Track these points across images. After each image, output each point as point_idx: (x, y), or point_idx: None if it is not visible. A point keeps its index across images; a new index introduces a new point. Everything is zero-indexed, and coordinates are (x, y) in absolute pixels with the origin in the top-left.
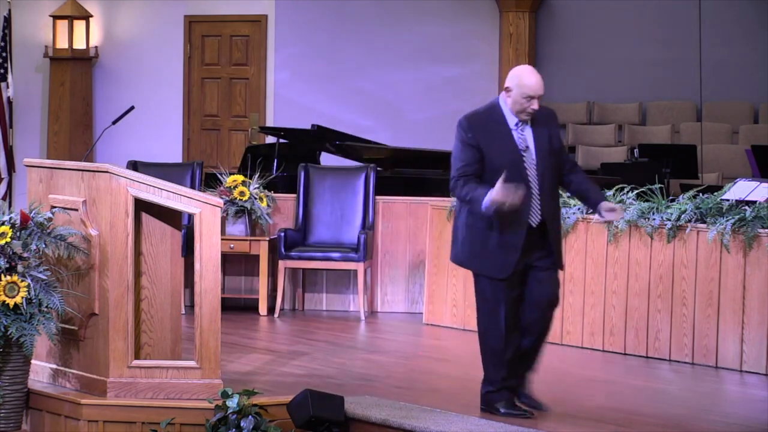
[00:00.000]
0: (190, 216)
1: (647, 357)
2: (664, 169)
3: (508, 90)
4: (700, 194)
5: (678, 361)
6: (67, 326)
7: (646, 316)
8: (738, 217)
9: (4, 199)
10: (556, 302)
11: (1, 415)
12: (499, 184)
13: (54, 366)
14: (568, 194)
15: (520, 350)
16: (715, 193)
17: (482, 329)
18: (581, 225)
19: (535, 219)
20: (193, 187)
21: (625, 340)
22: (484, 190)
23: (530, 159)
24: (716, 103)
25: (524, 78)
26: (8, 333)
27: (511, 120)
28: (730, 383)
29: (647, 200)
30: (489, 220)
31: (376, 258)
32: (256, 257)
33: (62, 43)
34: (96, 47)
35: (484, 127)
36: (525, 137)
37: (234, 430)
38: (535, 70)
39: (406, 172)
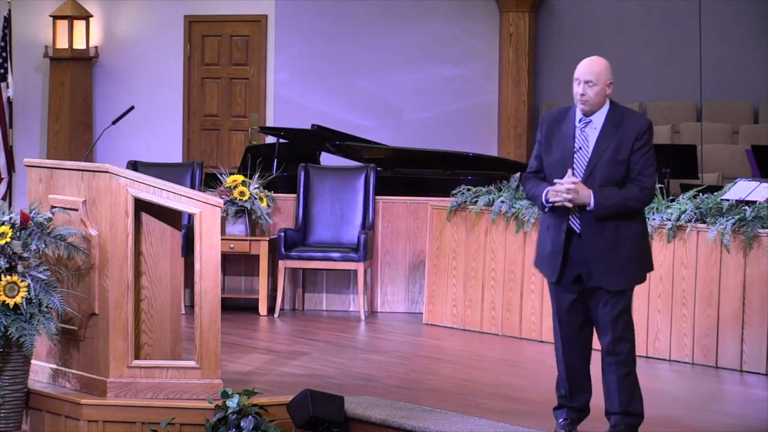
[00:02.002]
0: (190, 216)
1: (647, 357)
2: (664, 169)
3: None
4: (700, 194)
5: (678, 361)
6: (67, 326)
7: (646, 316)
8: (738, 217)
9: (4, 199)
10: (610, 332)
11: (1, 415)
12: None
13: (54, 366)
14: None
15: (584, 372)
16: (715, 193)
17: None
18: None
19: (576, 225)
20: (193, 187)
21: None
22: (540, 188)
23: (581, 160)
24: (716, 103)
25: (579, 64)
26: (8, 333)
27: (578, 117)
28: (730, 383)
29: None
30: (546, 222)
31: (376, 258)
32: (256, 257)
33: (62, 43)
34: (96, 47)
35: (554, 122)
36: (585, 136)
37: (234, 430)
38: (596, 59)
39: (406, 172)
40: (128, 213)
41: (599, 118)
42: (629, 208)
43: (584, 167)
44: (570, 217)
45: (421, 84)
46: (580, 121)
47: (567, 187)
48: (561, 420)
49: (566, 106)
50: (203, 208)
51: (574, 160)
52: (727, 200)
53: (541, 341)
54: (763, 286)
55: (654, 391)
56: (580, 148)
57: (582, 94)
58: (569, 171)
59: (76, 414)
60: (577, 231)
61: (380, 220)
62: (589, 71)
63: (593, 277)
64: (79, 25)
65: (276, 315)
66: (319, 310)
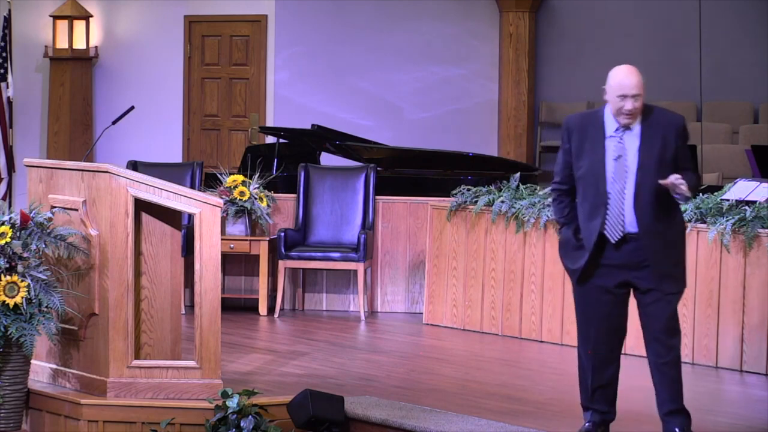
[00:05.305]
0: (190, 216)
1: (647, 357)
2: None
3: (604, 91)
4: (700, 194)
5: None
6: (67, 326)
7: None
8: (738, 217)
9: (4, 199)
10: (666, 330)
11: (1, 415)
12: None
13: (54, 366)
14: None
15: (614, 380)
16: (715, 193)
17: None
18: None
19: (614, 233)
20: (193, 187)
21: (626, 340)
22: (567, 231)
23: (621, 169)
24: (716, 103)
25: (617, 76)
26: (8, 333)
27: (610, 125)
28: (730, 383)
29: None
30: (572, 241)
31: (376, 258)
32: (256, 257)
33: (62, 43)
34: (96, 47)
35: (580, 128)
36: (623, 144)
37: (234, 430)
38: (634, 69)
39: (406, 172)
40: (128, 213)
41: (635, 123)
42: (694, 194)
43: (629, 174)
44: (607, 227)
45: (421, 84)
46: (616, 130)
47: (679, 182)
48: (587, 422)
49: (589, 110)
50: (203, 208)
51: (614, 168)
52: (727, 200)
53: (541, 341)
54: (763, 286)
55: (654, 392)
56: (620, 156)
57: (631, 110)
58: (673, 176)
59: (76, 414)
60: (613, 240)
61: (380, 220)
62: (637, 84)
63: (647, 280)
64: (79, 25)
65: (276, 315)
66: (319, 310)
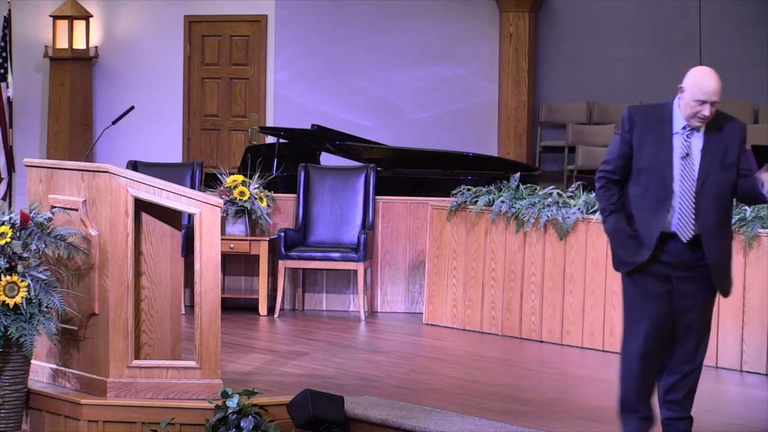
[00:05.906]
0: (190, 216)
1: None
2: None
3: (681, 90)
4: None
5: None
6: (67, 326)
7: None
8: (738, 217)
9: (4, 199)
10: (699, 335)
11: (1, 415)
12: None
13: (54, 366)
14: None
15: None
16: None
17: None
18: (581, 225)
19: (686, 232)
20: (193, 187)
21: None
22: (617, 220)
23: (689, 167)
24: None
25: (699, 79)
26: (8, 333)
27: (678, 122)
28: (730, 383)
29: None
30: (630, 213)
31: (376, 258)
32: (256, 257)
33: (62, 43)
34: (96, 47)
35: (644, 121)
36: (690, 143)
37: (234, 430)
38: (716, 75)
39: (406, 172)
40: (128, 213)
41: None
42: None
43: (695, 175)
44: (675, 224)
45: (421, 84)
46: (683, 128)
47: None
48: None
49: (657, 103)
50: (203, 208)
51: (681, 166)
52: None
53: (541, 341)
54: (763, 286)
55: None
56: (687, 155)
57: (707, 117)
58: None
59: (76, 414)
60: (685, 240)
61: (380, 220)
62: (717, 91)
63: (695, 281)
64: (79, 25)
65: (276, 315)
66: (319, 310)
